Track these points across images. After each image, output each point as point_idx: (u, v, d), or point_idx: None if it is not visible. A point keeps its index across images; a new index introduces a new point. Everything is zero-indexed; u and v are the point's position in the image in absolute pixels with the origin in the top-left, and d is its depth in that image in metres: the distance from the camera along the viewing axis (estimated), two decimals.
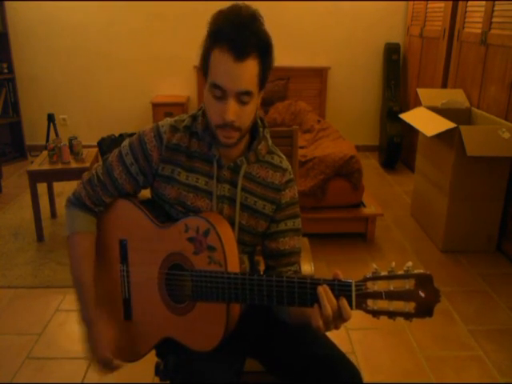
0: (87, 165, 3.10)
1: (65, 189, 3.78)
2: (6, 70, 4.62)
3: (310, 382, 1.17)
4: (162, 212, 1.26)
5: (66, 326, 2.35)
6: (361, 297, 1.01)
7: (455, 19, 3.76)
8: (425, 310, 0.99)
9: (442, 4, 4.01)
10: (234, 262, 1.13)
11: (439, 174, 3.11)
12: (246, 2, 1.11)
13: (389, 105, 4.69)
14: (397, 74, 4.81)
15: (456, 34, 3.72)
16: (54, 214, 3.51)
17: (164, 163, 1.23)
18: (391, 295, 0.99)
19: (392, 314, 0.99)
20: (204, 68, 1.13)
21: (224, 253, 1.11)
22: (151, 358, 1.31)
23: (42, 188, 3.30)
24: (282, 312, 1.24)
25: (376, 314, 1.00)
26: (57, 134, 4.30)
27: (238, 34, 1.05)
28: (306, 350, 1.21)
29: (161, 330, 1.21)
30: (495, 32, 3.13)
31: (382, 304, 1.00)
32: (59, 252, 3.02)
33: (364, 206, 3.24)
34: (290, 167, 1.30)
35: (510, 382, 2.01)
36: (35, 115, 4.96)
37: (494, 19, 3.14)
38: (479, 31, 3.32)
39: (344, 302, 1.01)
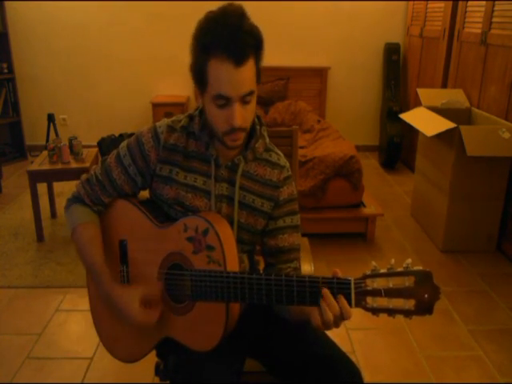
0: (87, 165, 3.10)
1: (65, 189, 3.79)
2: (6, 70, 4.62)
3: (310, 382, 1.17)
4: (162, 212, 1.26)
5: (65, 325, 2.35)
6: (360, 294, 1.01)
7: (455, 19, 3.76)
8: (425, 307, 0.98)
9: (442, 4, 4.01)
10: (233, 261, 1.13)
11: (439, 174, 3.11)
12: (234, 2, 1.09)
13: (389, 105, 4.69)
14: (397, 74, 4.81)
15: (456, 34, 3.72)
16: (54, 214, 3.51)
17: (162, 163, 1.23)
18: (391, 292, 0.99)
19: (392, 312, 0.99)
20: (201, 81, 1.11)
21: (223, 252, 1.11)
22: (151, 358, 1.31)
23: (42, 188, 3.30)
24: (282, 310, 1.24)
25: (375, 311, 1.00)
26: (57, 134, 4.30)
27: (235, 40, 1.03)
28: (306, 350, 1.21)
29: (161, 330, 1.21)
30: (495, 32, 3.13)
31: (382, 301, 1.00)
32: (59, 252, 3.02)
33: (364, 206, 3.24)
34: (287, 164, 1.30)
35: (510, 382, 2.01)
36: (35, 115, 4.96)
37: (494, 19, 3.14)
38: (479, 31, 3.32)
39: (343, 301, 1.01)
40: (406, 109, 4.35)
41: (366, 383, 1.94)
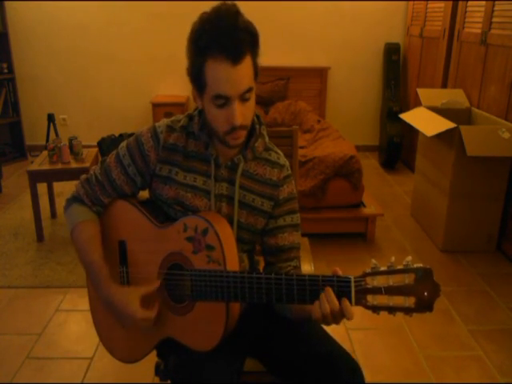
0: (87, 165, 3.10)
1: (65, 189, 3.78)
2: (6, 70, 4.62)
3: (312, 380, 1.17)
4: (161, 212, 1.26)
5: (65, 325, 2.35)
6: (360, 292, 1.01)
7: (455, 19, 3.76)
8: (425, 304, 0.98)
9: (442, 4, 4.01)
10: (233, 260, 1.13)
11: (439, 174, 3.11)
12: (228, 1, 1.09)
13: (389, 105, 4.69)
14: (397, 74, 4.81)
15: (456, 34, 3.72)
16: (53, 214, 3.51)
17: (161, 163, 1.23)
18: (391, 290, 0.99)
19: (392, 310, 0.99)
20: (198, 83, 1.11)
21: (223, 252, 1.11)
22: (151, 358, 1.31)
23: (42, 188, 3.30)
24: (283, 308, 1.24)
25: (376, 309, 1.00)
26: (57, 134, 4.30)
27: (230, 39, 1.03)
28: (306, 348, 1.21)
29: (161, 331, 1.21)
30: (495, 32, 3.13)
31: (382, 299, 0.99)
32: (59, 252, 3.02)
33: (364, 206, 3.24)
34: (287, 163, 1.30)
35: (510, 382, 2.01)
36: (35, 115, 4.96)
37: (494, 19, 3.14)
38: (479, 31, 3.32)
39: (346, 303, 1.01)
40: (406, 109, 4.35)
41: (367, 383, 1.93)
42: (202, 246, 1.13)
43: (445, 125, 2.86)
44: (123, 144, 1.27)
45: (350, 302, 1.01)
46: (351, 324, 2.31)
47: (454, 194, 2.96)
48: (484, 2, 3.26)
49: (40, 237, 3.16)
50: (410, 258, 1.00)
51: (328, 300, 1.01)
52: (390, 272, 1.00)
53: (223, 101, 1.08)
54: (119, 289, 1.18)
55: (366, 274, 1.01)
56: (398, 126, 4.57)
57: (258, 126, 1.25)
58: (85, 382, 2.00)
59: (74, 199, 1.29)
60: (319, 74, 4.97)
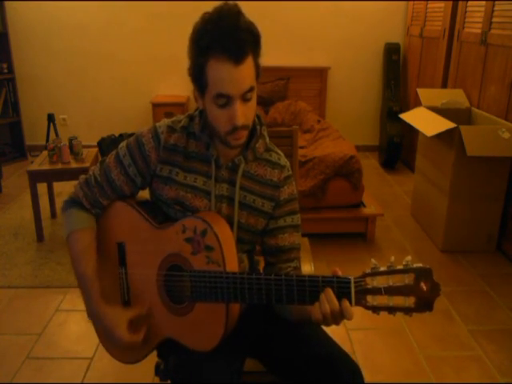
0: (87, 165, 3.11)
1: (65, 189, 3.78)
2: (5, 70, 4.62)
3: (311, 381, 1.17)
4: (160, 212, 1.26)
5: (65, 325, 2.35)
6: (360, 293, 1.00)
7: (455, 19, 3.76)
8: (425, 304, 0.98)
9: (442, 4, 4.01)
10: (232, 261, 1.13)
11: (439, 174, 3.11)
12: (229, 2, 1.09)
13: (389, 105, 4.69)
14: (397, 74, 4.81)
15: (456, 34, 3.72)
16: (53, 214, 3.51)
17: (162, 164, 1.23)
18: (391, 290, 0.99)
19: (392, 310, 0.99)
20: (200, 82, 1.11)
21: (222, 252, 1.11)
22: (151, 358, 1.31)
23: (42, 188, 3.29)
24: (283, 310, 1.24)
25: (376, 309, 1.00)
26: (57, 134, 4.30)
27: (233, 39, 1.04)
28: (306, 349, 1.21)
29: (161, 331, 1.21)
30: (495, 32, 3.13)
31: (382, 299, 0.99)
32: (59, 252, 3.02)
33: (364, 206, 3.24)
34: (288, 164, 1.30)
35: (510, 382, 2.01)
36: (35, 115, 4.96)
37: (494, 19, 3.14)
38: (479, 31, 3.32)
39: (346, 303, 1.01)
40: (406, 109, 4.35)
41: (367, 383, 1.93)
42: (201, 247, 1.13)
43: (445, 125, 2.86)
44: (123, 144, 1.27)
45: (350, 302, 1.01)
46: (351, 324, 2.31)
47: (454, 194, 2.96)
48: (484, 2, 3.26)
49: (40, 237, 3.16)
50: (409, 257, 1.00)
51: (328, 300, 1.01)
52: (390, 272, 1.00)
53: (225, 100, 1.08)
54: (108, 309, 1.18)
55: (365, 275, 1.01)
56: (398, 126, 4.57)
57: (258, 127, 1.25)
58: (85, 382, 2.00)
59: (73, 202, 1.28)
60: (319, 74, 4.96)
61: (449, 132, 2.82)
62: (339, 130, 3.94)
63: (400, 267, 0.99)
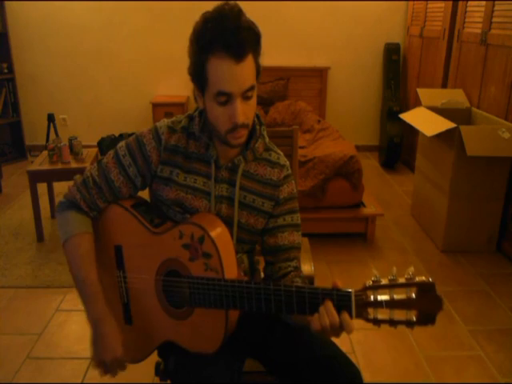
0: (87, 165, 3.11)
1: (65, 189, 3.74)
2: (5, 70, 4.62)
3: (311, 382, 1.17)
4: (157, 214, 1.25)
5: (65, 325, 2.35)
6: (361, 306, 0.99)
7: (455, 19, 3.76)
8: (427, 318, 0.96)
9: (442, 4, 4.01)
10: (231, 268, 1.12)
11: (439, 174, 3.11)
12: (230, 1, 1.09)
13: (389, 105, 4.69)
14: (397, 74, 4.81)
15: (456, 33, 3.72)
16: (54, 214, 3.51)
17: (163, 165, 1.22)
18: (392, 304, 0.97)
19: (393, 323, 0.97)
20: (200, 81, 1.10)
21: (220, 260, 1.09)
22: (151, 358, 1.31)
23: (42, 188, 3.30)
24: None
25: (377, 322, 0.98)
26: (57, 134, 4.30)
27: (235, 37, 1.04)
28: (306, 351, 1.21)
29: (161, 335, 1.21)
30: (495, 32, 3.13)
31: (383, 312, 0.98)
32: (59, 252, 3.02)
33: (364, 206, 3.24)
34: (287, 163, 1.30)
35: (510, 382, 2.01)
36: (35, 115, 4.96)
37: (494, 19, 3.14)
38: (479, 31, 3.32)
39: (346, 316, 0.99)
40: (406, 109, 4.35)
41: (366, 383, 1.93)
42: (199, 254, 1.11)
43: (445, 125, 2.86)
44: (122, 144, 1.25)
45: (351, 315, 1.00)
46: None
47: (454, 194, 2.96)
48: (484, 2, 3.26)
49: (40, 237, 3.16)
50: (412, 269, 0.98)
51: (328, 314, 1.00)
52: (392, 286, 0.97)
53: (225, 98, 1.08)
54: (112, 321, 1.16)
55: (366, 288, 0.99)
56: (398, 126, 4.57)
57: (258, 127, 1.24)
58: (85, 382, 2.00)
59: (70, 204, 1.25)
60: (319, 74, 4.96)
61: (449, 132, 2.82)
62: (339, 130, 3.94)
63: (402, 280, 0.97)
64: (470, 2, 3.51)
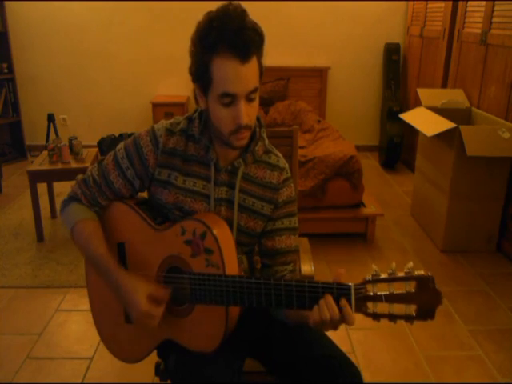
0: (87, 165, 3.10)
1: (65, 189, 3.76)
2: (5, 70, 4.62)
3: (311, 383, 1.17)
4: (159, 213, 1.26)
5: (65, 325, 2.35)
6: (360, 300, 0.99)
7: (455, 19, 3.76)
8: (426, 312, 0.97)
9: (442, 4, 4.01)
10: (231, 264, 1.13)
11: (439, 174, 3.11)
12: (233, 1, 1.09)
13: (389, 105, 4.69)
14: (397, 74, 4.81)
15: (456, 33, 3.72)
16: (54, 214, 3.51)
17: (160, 168, 1.22)
18: (391, 298, 0.98)
19: (393, 317, 0.98)
20: (204, 81, 1.10)
21: (221, 255, 1.10)
22: (151, 358, 1.31)
23: (42, 188, 3.29)
24: (278, 313, 1.23)
25: (376, 317, 0.99)
26: (57, 134, 4.30)
27: (240, 38, 1.03)
28: (306, 351, 1.21)
29: (161, 333, 1.21)
30: (495, 32, 3.13)
31: (383, 307, 0.98)
32: (59, 252, 3.02)
33: (364, 206, 3.24)
34: (287, 166, 1.30)
35: (510, 382, 2.01)
36: (35, 115, 4.96)
37: (494, 19, 3.14)
38: (479, 31, 3.32)
39: (348, 309, 0.99)
40: (406, 109, 4.35)
41: (366, 383, 1.93)
42: (201, 250, 1.12)
43: (445, 125, 2.86)
44: (121, 146, 1.26)
45: (351, 309, 1.00)
46: None
47: (454, 194, 2.96)
48: (484, 2, 3.26)
49: (40, 237, 3.16)
50: (411, 264, 0.98)
51: (328, 307, 1.00)
52: (391, 279, 0.98)
53: (230, 99, 1.08)
54: (130, 275, 1.15)
55: (366, 281, 0.99)
56: (398, 126, 4.57)
57: (258, 129, 1.24)
58: (85, 382, 2.00)
59: (71, 199, 1.27)
60: (319, 74, 4.96)
61: (449, 132, 2.82)
62: (339, 130, 3.94)
63: (401, 274, 0.98)
64: (469, 2, 3.51)
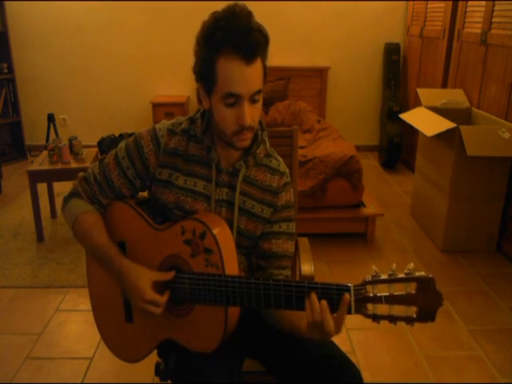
0: (87, 165, 3.10)
1: (65, 189, 3.76)
2: (5, 70, 4.62)
3: (311, 383, 1.17)
4: (159, 212, 1.26)
5: (65, 325, 2.35)
6: (360, 301, 0.99)
7: (455, 19, 3.76)
8: (427, 314, 0.96)
9: (442, 4, 4.01)
10: (231, 264, 1.13)
11: (439, 174, 3.11)
12: (238, 2, 1.09)
13: (389, 105, 4.69)
14: (397, 74, 4.81)
15: (456, 34, 3.72)
16: (54, 214, 3.51)
17: (161, 168, 1.22)
18: (391, 299, 0.97)
19: (393, 319, 0.97)
20: (208, 80, 1.10)
21: (221, 255, 1.10)
22: (151, 358, 1.31)
23: (42, 188, 3.29)
24: (275, 323, 1.21)
25: (376, 318, 0.98)
26: (57, 134, 4.30)
27: (247, 39, 1.03)
28: (305, 351, 1.21)
29: (161, 332, 1.21)
30: (495, 32, 3.13)
31: (383, 308, 0.97)
32: (59, 252, 3.02)
33: (364, 206, 3.24)
34: (287, 170, 1.30)
35: (510, 382, 2.01)
36: (35, 115, 4.96)
37: (494, 19, 3.14)
38: (479, 31, 3.32)
39: (327, 314, 0.98)
40: (406, 109, 4.35)
41: (366, 383, 1.93)
42: (200, 250, 1.12)
43: (445, 125, 2.86)
44: (122, 145, 1.26)
45: (350, 310, 0.99)
46: (351, 324, 2.31)
47: (454, 194, 2.96)
48: (484, 2, 3.26)
49: (40, 237, 3.16)
50: (412, 265, 0.97)
51: (312, 306, 1.00)
52: (391, 280, 0.97)
53: (234, 100, 1.08)
54: (133, 264, 1.15)
55: (366, 282, 0.99)
56: (397, 126, 4.57)
57: (260, 132, 1.24)
58: (85, 382, 2.00)
59: (73, 195, 1.28)
60: (319, 74, 4.96)
61: (449, 132, 2.82)
62: (339, 130, 3.94)
63: (402, 275, 0.96)
64: (469, 2, 3.51)
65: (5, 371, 2.04)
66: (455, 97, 3.47)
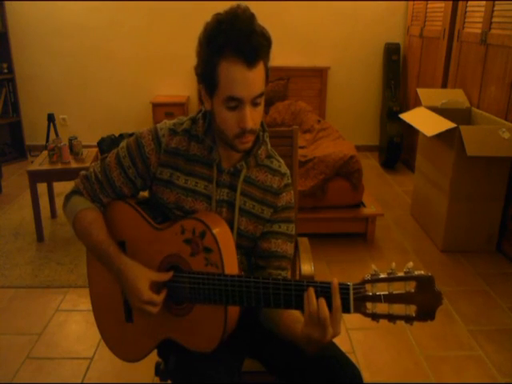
0: (87, 165, 3.10)
1: (65, 189, 3.77)
2: (5, 70, 4.62)
3: (311, 383, 1.17)
4: (160, 212, 1.26)
5: (65, 325, 2.35)
6: (359, 300, 0.98)
7: (455, 19, 3.76)
8: (426, 313, 0.96)
9: (442, 4, 4.01)
10: (231, 263, 1.13)
11: (439, 174, 3.11)
12: (241, 3, 1.08)
13: (389, 105, 4.69)
14: (397, 74, 4.81)
15: (456, 34, 3.72)
16: (54, 214, 3.51)
17: (162, 167, 1.22)
18: (391, 298, 0.97)
19: (392, 318, 0.97)
20: (210, 83, 1.09)
21: (220, 255, 1.10)
22: (151, 358, 1.31)
23: (42, 188, 3.30)
24: (272, 327, 1.20)
25: (375, 317, 0.98)
26: (57, 134, 4.30)
27: (249, 42, 1.03)
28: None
29: (161, 332, 1.21)
30: (495, 32, 3.13)
31: (382, 307, 0.97)
32: (59, 252, 3.02)
33: (364, 206, 3.24)
34: (288, 172, 1.30)
35: (510, 382, 2.01)
36: (35, 115, 4.96)
37: (494, 19, 3.14)
38: (479, 31, 3.32)
39: (322, 302, 0.98)
40: (406, 109, 4.35)
41: (366, 383, 1.93)
42: (200, 249, 1.12)
43: (445, 125, 2.86)
44: (123, 144, 1.26)
45: (349, 309, 0.99)
46: (351, 324, 2.31)
47: (454, 194, 2.96)
48: (484, 2, 3.26)
49: (40, 237, 3.16)
50: (411, 264, 0.97)
51: (309, 301, 1.00)
52: (391, 279, 0.97)
53: (235, 103, 1.08)
54: (132, 262, 1.16)
55: (365, 281, 0.98)
56: (397, 126, 4.57)
57: (261, 133, 1.24)
58: (85, 382, 2.00)
59: (74, 193, 1.28)
60: (319, 74, 4.96)
61: (449, 132, 2.82)
62: (339, 130, 3.94)
63: (401, 274, 0.96)
64: (469, 2, 3.51)
65: (5, 371, 2.04)
66: (455, 97, 3.48)
